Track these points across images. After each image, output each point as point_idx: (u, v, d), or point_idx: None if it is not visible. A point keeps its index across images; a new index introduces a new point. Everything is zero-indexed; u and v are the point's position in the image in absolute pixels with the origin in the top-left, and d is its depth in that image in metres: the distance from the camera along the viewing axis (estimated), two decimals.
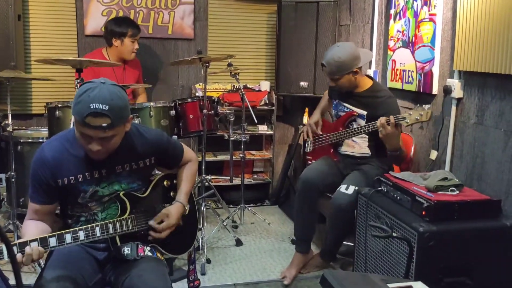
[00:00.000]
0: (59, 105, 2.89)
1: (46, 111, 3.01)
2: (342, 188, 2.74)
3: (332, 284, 1.62)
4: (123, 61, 3.66)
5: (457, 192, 2.30)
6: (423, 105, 2.55)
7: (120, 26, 3.55)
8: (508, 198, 2.38)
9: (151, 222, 1.94)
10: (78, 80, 2.65)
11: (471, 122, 2.66)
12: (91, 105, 1.65)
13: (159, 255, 1.96)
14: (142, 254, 1.88)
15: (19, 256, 1.58)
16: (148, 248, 1.92)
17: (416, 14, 3.12)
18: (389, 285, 1.61)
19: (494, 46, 2.39)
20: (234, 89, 4.35)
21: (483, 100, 2.57)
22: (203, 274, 3.01)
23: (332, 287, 1.61)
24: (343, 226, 2.73)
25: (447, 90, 2.79)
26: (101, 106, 1.65)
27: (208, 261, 3.17)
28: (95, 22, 4.06)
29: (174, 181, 2.13)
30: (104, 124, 1.67)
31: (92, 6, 4.04)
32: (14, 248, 1.58)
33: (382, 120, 2.57)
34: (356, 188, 2.69)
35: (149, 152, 1.96)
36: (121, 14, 4.08)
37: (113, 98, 1.68)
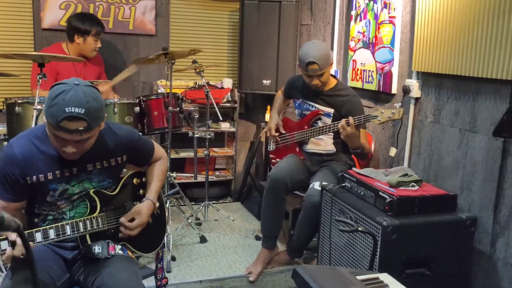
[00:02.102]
0: (19, 101, 2.80)
1: (4, 107, 2.91)
2: (316, 185, 2.80)
3: (304, 277, 1.67)
4: (84, 57, 3.58)
5: (417, 187, 2.41)
6: (395, 104, 2.64)
7: (84, 23, 3.46)
8: (463, 193, 2.52)
9: (123, 220, 1.93)
10: (40, 76, 2.58)
11: (428, 120, 2.79)
12: (66, 108, 1.61)
13: (130, 253, 1.95)
14: (113, 252, 1.87)
15: None
16: (119, 246, 1.91)
17: (376, 16, 3.23)
18: (357, 277, 1.68)
19: (451, 48, 2.52)
20: (197, 86, 4.35)
21: (440, 100, 2.70)
22: (168, 271, 3.00)
23: (304, 281, 1.66)
24: (316, 222, 2.79)
25: (405, 90, 2.91)
26: (77, 109, 1.62)
27: (173, 258, 3.16)
28: (52, 16, 3.94)
29: (144, 179, 2.12)
30: (80, 128, 1.65)
31: None
32: None
33: (342, 121, 2.67)
34: (324, 184, 2.76)
35: (120, 150, 1.95)
36: (79, 7, 3.98)
37: (88, 100, 1.66)
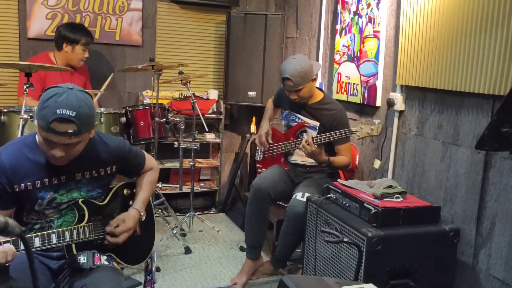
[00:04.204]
0: (5, 110, 2.77)
1: None
2: (298, 196, 2.82)
3: (290, 287, 1.68)
4: (71, 67, 3.57)
5: (401, 199, 2.45)
6: (374, 120, 2.69)
7: (74, 32, 3.46)
8: (446, 205, 2.56)
9: (107, 228, 1.92)
10: (27, 85, 2.56)
11: (412, 133, 2.85)
12: (57, 110, 1.62)
13: (115, 264, 1.94)
14: (98, 263, 1.85)
15: None
16: (105, 257, 1.89)
17: (361, 31, 3.30)
18: (343, 287, 1.70)
19: (434, 63, 2.58)
20: (183, 97, 4.36)
21: (423, 113, 2.76)
22: (154, 283, 2.97)
23: None
24: (299, 233, 2.81)
25: (390, 103, 2.96)
26: (68, 112, 1.63)
27: (158, 269, 3.14)
28: (38, 25, 3.92)
29: (134, 190, 2.12)
30: (70, 131, 1.65)
31: (36, 8, 3.90)
32: None
33: (303, 141, 2.77)
34: (308, 195, 2.79)
35: (110, 160, 1.94)
36: (66, 18, 3.97)
37: (81, 105, 1.66)
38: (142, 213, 2.07)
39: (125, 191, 2.08)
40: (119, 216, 1.98)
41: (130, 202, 2.08)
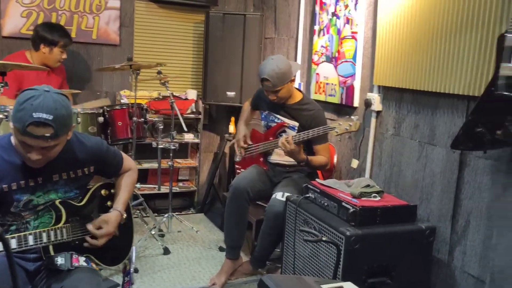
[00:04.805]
0: None
1: None
2: (278, 195, 2.83)
3: (270, 286, 1.69)
4: (47, 67, 3.51)
5: (379, 198, 2.48)
6: (352, 117, 2.71)
7: (52, 34, 3.39)
8: (422, 204, 2.61)
9: (90, 227, 1.90)
10: (1, 84, 2.51)
11: (389, 133, 2.89)
12: (34, 114, 1.59)
13: (94, 265, 1.92)
14: (76, 264, 1.83)
15: None
16: (83, 258, 1.87)
17: (339, 32, 3.33)
18: (322, 286, 1.71)
19: (410, 64, 2.62)
20: (161, 97, 4.33)
21: (400, 113, 2.80)
22: (132, 284, 2.94)
23: None
24: (278, 232, 2.82)
25: (367, 103, 3.00)
26: (44, 115, 1.60)
27: (136, 270, 3.12)
28: (13, 23, 3.84)
29: (112, 191, 2.09)
30: (47, 134, 1.62)
31: (11, 6, 3.82)
32: None
33: (282, 139, 2.78)
34: (288, 195, 2.80)
35: (88, 161, 1.92)
36: (41, 16, 3.90)
37: (57, 107, 1.64)
38: (124, 215, 2.05)
39: (103, 192, 2.05)
40: (102, 217, 1.96)
41: (108, 203, 2.06)
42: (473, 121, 2.04)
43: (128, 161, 2.14)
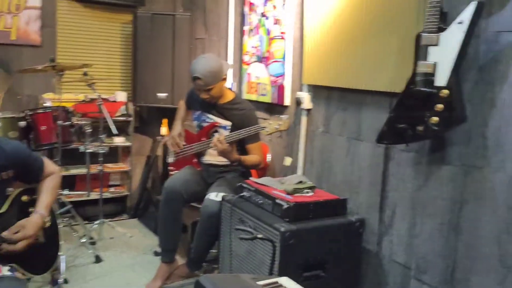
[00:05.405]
0: None
1: None
2: (212, 195, 2.81)
3: (206, 287, 1.68)
4: None
5: (311, 193, 2.54)
6: (281, 116, 2.76)
7: None
8: (352, 197, 2.70)
9: (5, 233, 1.80)
10: None
11: (319, 130, 2.97)
12: None
13: (19, 274, 1.82)
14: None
15: None
16: (7, 267, 1.77)
17: (268, 32, 3.38)
18: (258, 282, 1.73)
19: (337, 63, 2.71)
20: (88, 99, 4.18)
21: (329, 111, 2.89)
22: None
23: None
24: (214, 232, 2.80)
25: (298, 102, 3.07)
26: None
27: (66, 281, 2.97)
28: None
29: (34, 196, 1.99)
30: None
31: None
32: None
33: (214, 139, 2.79)
34: (223, 194, 2.80)
35: (7, 165, 1.82)
36: None
37: None
38: (46, 219, 1.96)
39: (23, 198, 1.96)
40: (19, 222, 1.87)
41: (30, 209, 1.96)
42: (395, 116, 2.15)
43: (50, 165, 2.06)
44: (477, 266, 2.01)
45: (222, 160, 3.05)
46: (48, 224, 1.99)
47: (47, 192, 2.01)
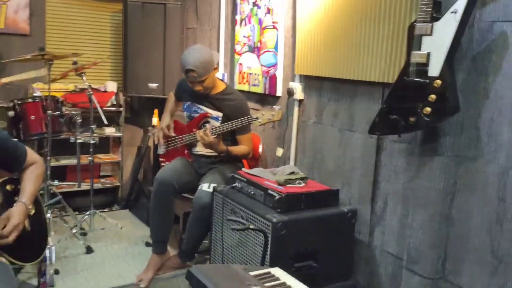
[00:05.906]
0: None
1: None
2: (204, 186, 2.80)
3: (198, 277, 1.67)
4: None
5: (303, 184, 2.54)
6: (274, 106, 2.74)
7: None
8: (344, 188, 2.70)
9: None
10: None
11: (311, 121, 2.96)
12: None
13: (3, 260, 1.80)
14: None
15: None
16: None
17: (260, 21, 3.35)
18: (250, 273, 1.73)
19: (329, 53, 2.70)
20: (78, 89, 4.13)
21: (321, 101, 2.88)
22: (51, 286, 2.80)
23: (198, 281, 1.66)
24: (206, 223, 2.79)
25: (290, 93, 3.05)
26: None
27: (57, 272, 2.95)
28: None
29: (19, 186, 1.97)
30: None
31: None
32: None
33: (200, 132, 2.77)
34: (214, 185, 2.78)
35: None
36: None
37: None
38: (29, 207, 1.94)
39: (8, 187, 1.95)
40: (3, 215, 1.84)
41: (16, 198, 1.94)
42: (388, 107, 2.14)
43: (33, 154, 2.04)
44: (468, 257, 2.02)
45: (212, 151, 3.04)
46: (32, 212, 1.97)
47: (30, 181, 1.99)
